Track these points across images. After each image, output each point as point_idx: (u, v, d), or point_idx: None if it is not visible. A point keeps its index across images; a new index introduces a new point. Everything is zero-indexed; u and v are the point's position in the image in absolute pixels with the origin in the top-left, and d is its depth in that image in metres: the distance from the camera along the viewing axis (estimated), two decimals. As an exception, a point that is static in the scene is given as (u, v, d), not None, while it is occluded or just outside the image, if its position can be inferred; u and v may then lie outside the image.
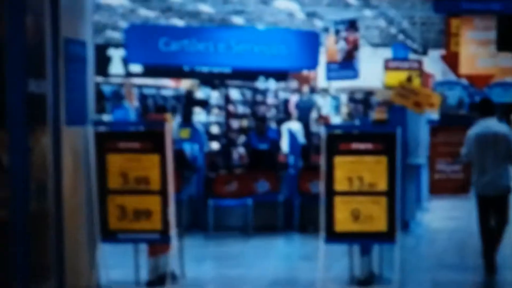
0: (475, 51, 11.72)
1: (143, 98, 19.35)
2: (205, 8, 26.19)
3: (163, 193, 6.79)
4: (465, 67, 12.02)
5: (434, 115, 11.82)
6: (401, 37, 32.69)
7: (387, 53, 23.13)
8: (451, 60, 12.30)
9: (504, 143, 7.84)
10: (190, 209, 9.54)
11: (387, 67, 19.84)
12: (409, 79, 14.33)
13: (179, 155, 8.22)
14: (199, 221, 9.88)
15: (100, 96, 17.59)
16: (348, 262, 7.28)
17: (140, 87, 19.87)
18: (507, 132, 8.03)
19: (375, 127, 8.98)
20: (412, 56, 23.65)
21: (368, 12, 25.91)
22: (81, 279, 6.73)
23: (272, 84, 17.23)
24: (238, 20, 28.70)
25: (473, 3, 7.17)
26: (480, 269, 7.89)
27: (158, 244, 6.96)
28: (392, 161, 6.87)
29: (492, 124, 8.03)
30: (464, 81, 21.01)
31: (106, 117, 15.15)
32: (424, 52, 31.38)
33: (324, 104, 21.96)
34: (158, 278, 6.96)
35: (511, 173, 7.96)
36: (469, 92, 28.88)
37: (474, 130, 8.07)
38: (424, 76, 20.65)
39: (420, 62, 20.54)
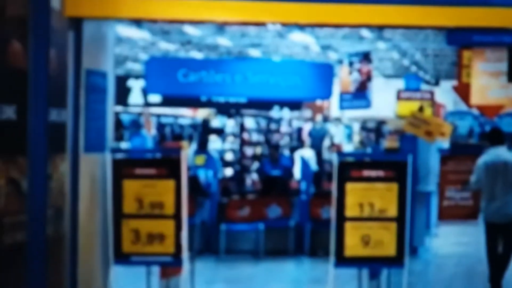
0: (486, 82, 11.63)
1: (160, 126, 19.49)
2: (223, 41, 26.31)
3: (177, 217, 6.78)
4: (476, 98, 11.93)
5: (445, 144, 11.74)
6: (413, 68, 32.61)
7: (400, 83, 23.08)
8: (463, 91, 12.23)
9: (514, 171, 7.80)
10: (202, 233, 9.53)
11: (399, 97, 19.80)
12: (420, 109, 14.26)
13: (193, 181, 8.21)
14: (211, 245, 9.84)
15: (119, 124, 17.70)
16: (357, 286, 7.18)
17: (158, 116, 20.01)
18: (516, 160, 7.98)
19: (387, 155, 8.96)
20: (424, 86, 23.63)
21: (381, 45, 25.88)
22: None
23: (286, 113, 17.25)
24: (255, 52, 28.79)
25: (485, 35, 7.17)
26: (488, 294, 7.81)
27: (170, 266, 6.91)
28: (403, 188, 6.83)
29: (502, 153, 7.99)
30: (475, 111, 20.98)
31: (124, 145, 15.21)
32: (436, 83, 31.32)
33: (337, 133, 21.97)
34: (175, 299, 6.93)
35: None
36: (480, 122, 28.81)
37: (484, 158, 8.03)
38: (436, 106, 20.60)
39: (432, 93, 20.47)
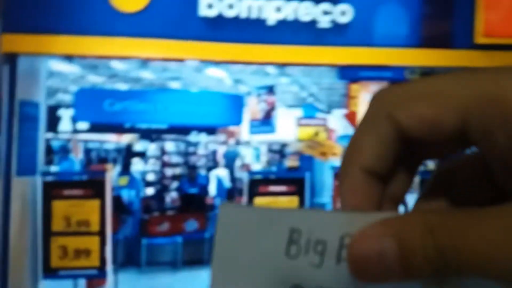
0: (370, 110, 11.89)
1: (87, 151, 18.97)
2: (147, 75, 26.02)
3: (101, 233, 6.59)
4: (362, 124, 12.15)
5: (337, 162, 11.87)
6: (310, 99, 33.18)
7: (299, 112, 23.38)
8: (351, 118, 12.38)
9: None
10: (125, 247, 9.29)
11: (298, 124, 20.00)
12: (316, 134, 14.41)
13: (117, 200, 7.95)
14: (134, 258, 9.55)
15: (49, 150, 17.07)
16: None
17: (85, 141, 19.50)
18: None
19: (289, 173, 9.03)
20: (319, 115, 23.96)
21: (284, 79, 26.25)
22: None
23: (203, 137, 17.12)
24: (175, 84, 28.60)
25: (369, 71, 7.27)
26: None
27: (96, 279, 6.67)
28: (302, 200, 6.89)
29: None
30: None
31: (53, 168, 14.73)
32: (329, 112, 31.94)
33: (247, 154, 21.97)
34: (95, 310, 6.66)
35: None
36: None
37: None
38: (329, 131, 20.90)
39: (325, 120, 20.79)
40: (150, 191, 12.85)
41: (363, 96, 12.06)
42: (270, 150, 22.73)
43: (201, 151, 17.26)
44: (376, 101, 0.35)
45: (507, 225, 0.29)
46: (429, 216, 0.31)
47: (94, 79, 26.83)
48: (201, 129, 16.37)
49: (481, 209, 0.30)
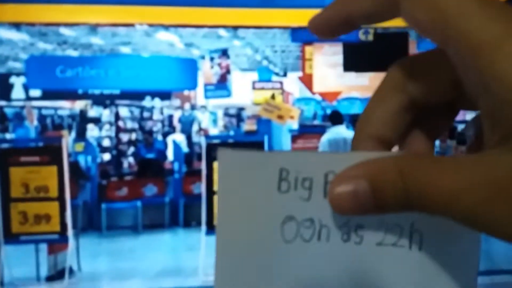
0: (326, 72, 11.99)
1: (42, 118, 18.74)
2: (96, 40, 25.63)
3: (60, 199, 6.65)
4: (318, 86, 12.27)
5: (294, 125, 12.07)
6: (265, 62, 33.22)
7: (254, 76, 23.48)
8: (307, 81, 12.52)
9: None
10: (85, 212, 9.33)
11: (254, 87, 20.09)
12: (272, 97, 14.52)
13: (74, 166, 7.99)
14: (94, 223, 9.62)
15: (3, 117, 16.86)
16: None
17: (39, 108, 19.25)
18: (353, 137, 8.31)
19: (246, 137, 9.05)
20: (274, 78, 24.09)
21: (237, 42, 26.19)
22: None
23: (157, 102, 17.08)
24: (125, 49, 28.23)
25: (323, 33, 7.41)
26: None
27: (57, 243, 6.76)
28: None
29: (341, 131, 8.27)
30: (318, 97, 21.70)
31: (9, 136, 14.57)
32: (285, 75, 32.05)
33: (204, 119, 22.03)
34: (57, 273, 6.79)
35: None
36: (322, 106, 29.88)
37: (327, 136, 8.28)
38: (285, 94, 21.07)
39: (281, 83, 20.95)
40: (106, 156, 12.85)
41: (318, 58, 12.24)
42: (227, 114, 22.82)
43: (156, 116, 17.24)
44: (389, 73, 0.37)
45: (473, 169, 0.32)
46: (401, 159, 0.33)
47: (44, 46, 26.34)
48: (155, 94, 16.33)
49: (451, 156, 0.33)
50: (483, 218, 0.31)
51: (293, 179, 0.36)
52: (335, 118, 8.47)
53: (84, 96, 15.46)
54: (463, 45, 0.32)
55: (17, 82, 15.35)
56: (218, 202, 0.37)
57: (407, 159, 0.34)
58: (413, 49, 10.83)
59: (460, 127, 22.96)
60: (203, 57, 16.72)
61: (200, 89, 15.58)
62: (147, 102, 16.28)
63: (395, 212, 0.34)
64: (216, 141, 7.40)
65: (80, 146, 10.20)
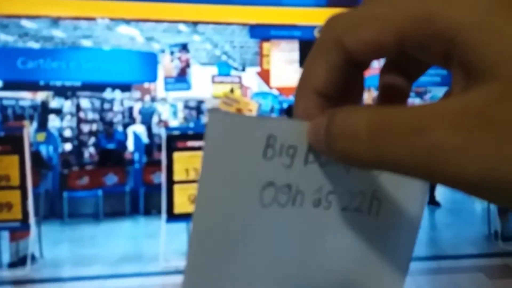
0: (283, 68, 12.08)
1: (3, 108, 18.32)
2: (58, 33, 25.21)
3: (22, 187, 6.55)
4: (275, 81, 12.37)
5: (251, 117, 12.14)
6: (224, 57, 33.20)
7: (214, 70, 23.47)
8: (264, 76, 12.59)
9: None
10: (47, 200, 9.22)
11: (214, 81, 20.08)
12: (231, 91, 14.55)
13: (36, 155, 7.89)
14: (56, 211, 9.51)
15: (-37, 108, 16.45)
16: (186, 237, 7.33)
17: (0, 99, 18.85)
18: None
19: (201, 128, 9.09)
20: (233, 72, 24.13)
21: (197, 37, 26.12)
22: None
23: (118, 94, 16.93)
24: (87, 43, 27.83)
25: (280, 30, 7.46)
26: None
27: (19, 231, 6.69)
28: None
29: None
30: (275, 91, 21.82)
31: (-31, 126, 14.24)
32: (243, 69, 32.14)
33: (164, 110, 21.90)
34: (19, 260, 6.71)
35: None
36: (279, 100, 30.05)
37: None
38: (244, 88, 21.14)
39: (240, 77, 20.99)
40: (68, 146, 12.69)
41: (275, 54, 12.34)
42: (187, 107, 22.71)
43: (116, 107, 17.08)
44: (325, 28, 0.36)
45: (444, 102, 0.29)
46: (358, 107, 0.33)
47: (5, 38, 25.74)
48: (115, 86, 16.18)
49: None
50: (450, 150, 0.28)
51: (279, 146, 0.36)
52: (291, 112, 8.55)
53: (46, 87, 15.23)
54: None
55: (-22, 73, 14.97)
56: (202, 163, 0.36)
57: (364, 106, 0.33)
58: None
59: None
60: (163, 51, 16.63)
61: (160, 81, 15.53)
62: (107, 94, 16.12)
63: (344, 164, 0.33)
64: (176, 132, 7.39)
65: (41, 136, 10.07)
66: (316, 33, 7.46)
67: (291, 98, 20.96)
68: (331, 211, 0.38)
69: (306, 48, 9.16)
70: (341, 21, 0.35)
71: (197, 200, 0.36)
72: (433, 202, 10.80)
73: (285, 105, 22.34)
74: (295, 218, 0.38)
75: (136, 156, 10.76)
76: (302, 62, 9.27)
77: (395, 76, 0.39)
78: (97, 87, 15.02)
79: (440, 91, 28.40)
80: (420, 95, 32.62)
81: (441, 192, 11.37)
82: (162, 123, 17.13)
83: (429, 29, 0.31)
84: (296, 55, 10.39)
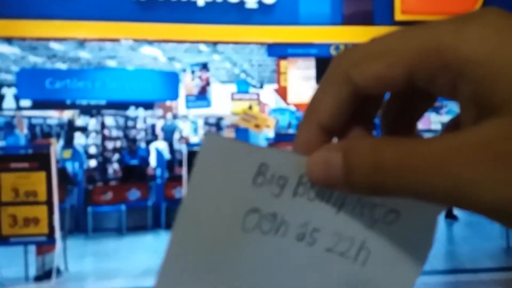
0: (300, 84, 12.08)
1: (31, 126, 18.55)
2: (84, 54, 25.52)
3: (49, 203, 6.59)
4: (292, 97, 12.36)
5: (270, 133, 12.13)
6: (243, 75, 33.32)
7: (233, 88, 23.55)
8: (282, 92, 12.58)
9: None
10: (72, 215, 9.27)
11: (233, 98, 20.14)
12: (250, 108, 14.60)
13: (62, 172, 7.93)
14: (80, 225, 9.54)
15: (-5, 126, 16.68)
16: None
17: (29, 117, 19.10)
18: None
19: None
20: (252, 89, 24.18)
21: (216, 56, 26.26)
22: None
23: (141, 112, 17.04)
24: (111, 63, 28.13)
25: (297, 48, 7.46)
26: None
27: (45, 245, 6.70)
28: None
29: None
30: (292, 107, 21.80)
31: (0, 143, 14.42)
32: (261, 87, 32.18)
33: (185, 127, 22.00)
34: (45, 273, 6.73)
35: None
36: (296, 116, 30.05)
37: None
38: (262, 105, 21.15)
39: (258, 94, 21.03)
40: (93, 163, 12.76)
41: (292, 72, 12.34)
42: (207, 123, 22.81)
43: (140, 125, 17.19)
44: (335, 62, 0.35)
45: (455, 136, 0.30)
46: (377, 140, 0.32)
47: (35, 59, 26.15)
48: (138, 105, 16.29)
49: (425, 138, 0.31)
50: (469, 182, 0.28)
51: (270, 174, 0.35)
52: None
53: (72, 106, 15.39)
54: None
55: (8, 92, 15.22)
56: (190, 180, 0.35)
57: (384, 139, 0.33)
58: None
59: (426, 135, 23.26)
60: (184, 70, 16.73)
61: (181, 99, 15.58)
62: (131, 112, 16.23)
63: (365, 194, 0.33)
64: (196, 148, 7.39)
65: (67, 153, 10.14)
66: (332, 51, 7.44)
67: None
68: (314, 249, 0.37)
69: (322, 65, 9.13)
70: (349, 55, 0.35)
71: (178, 217, 0.35)
72: (450, 215, 10.63)
73: (302, 121, 22.29)
74: (276, 247, 0.36)
75: (158, 172, 10.77)
76: (318, 79, 9.24)
77: (401, 108, 0.38)
78: (121, 106, 15.14)
79: (456, 106, 28.20)
80: (436, 109, 32.44)
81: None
82: (183, 139, 17.18)
83: (438, 61, 0.31)
84: (312, 72, 10.34)
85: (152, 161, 12.64)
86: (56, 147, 8.58)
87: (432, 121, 25.96)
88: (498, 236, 9.23)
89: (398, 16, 6.69)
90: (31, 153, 7.07)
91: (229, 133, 13.48)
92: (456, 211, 10.72)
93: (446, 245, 9.00)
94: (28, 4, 6.11)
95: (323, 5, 6.70)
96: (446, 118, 26.16)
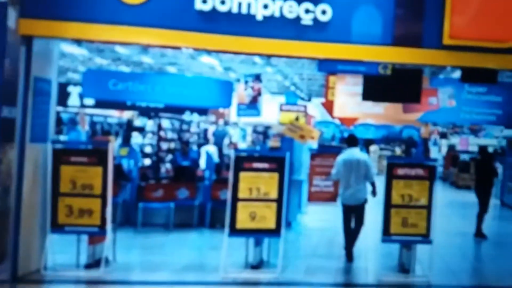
0: (346, 100, 11.92)
1: (93, 124, 18.96)
2: (147, 59, 25.95)
3: (103, 196, 6.66)
4: (338, 111, 12.20)
5: (314, 145, 11.99)
6: (292, 88, 33.21)
7: (282, 99, 23.47)
8: (328, 106, 12.44)
9: (364, 167, 8.02)
10: (124, 209, 9.36)
11: (281, 109, 20.00)
12: (297, 119, 14.44)
13: (118, 168, 8.01)
14: (131, 219, 9.61)
15: (59, 121, 17.06)
16: (245, 251, 7.21)
17: (91, 115, 19.51)
18: (366, 158, 8.25)
19: (271, 152, 9.04)
20: (300, 102, 24.02)
21: (269, 69, 26.28)
22: (32, 262, 6.52)
23: (195, 117, 17.15)
24: (172, 69, 28.50)
25: (346, 65, 7.32)
26: (342, 258, 8.01)
27: (97, 235, 6.74)
28: (282, 177, 6.96)
29: (355, 153, 8.20)
30: (337, 121, 21.56)
31: (62, 138, 14.77)
32: (309, 100, 32.02)
33: (234, 134, 22.05)
34: (95, 262, 6.78)
35: (367, 188, 8.10)
36: (340, 130, 29.75)
37: (342, 156, 8.22)
38: (308, 117, 20.94)
39: (305, 107, 20.81)
40: (147, 161, 12.89)
41: (340, 87, 12.21)
42: (255, 131, 22.82)
43: (193, 129, 17.32)
44: None
45: None
46: None
47: (100, 61, 26.80)
48: (193, 110, 16.38)
49: None
50: None
51: None
52: (351, 141, 8.40)
53: (132, 107, 15.58)
54: None
55: (74, 91, 15.52)
56: None
57: None
58: (426, 84, 10.70)
59: (462, 156, 22.44)
60: (238, 80, 16.72)
61: (233, 108, 15.58)
62: (186, 116, 16.36)
63: None
64: (244, 154, 7.34)
65: (124, 151, 10.25)
66: (380, 69, 7.28)
67: (351, 128, 20.69)
68: None
69: (369, 82, 8.98)
70: None
71: None
72: (480, 234, 10.30)
73: (345, 134, 22.08)
74: None
75: (207, 174, 10.78)
76: (364, 95, 9.10)
77: None
78: (178, 110, 15.25)
79: (494, 130, 27.37)
80: (475, 132, 31.54)
81: (488, 225, 10.86)
82: (232, 145, 17.22)
83: None
84: (359, 88, 10.17)
85: (202, 163, 12.69)
86: (114, 144, 8.68)
87: (470, 143, 25.29)
88: (524, 256, 9.04)
89: (447, 40, 6.49)
90: (90, 149, 7.15)
91: (275, 142, 13.40)
92: (485, 230, 10.43)
93: (473, 262, 8.89)
94: (98, 9, 6.21)
95: (374, 25, 6.58)
96: (483, 141, 25.42)
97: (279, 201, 6.92)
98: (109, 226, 6.66)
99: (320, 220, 11.47)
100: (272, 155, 7.57)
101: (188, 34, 6.32)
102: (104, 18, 6.22)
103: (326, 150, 11.70)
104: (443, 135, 29.53)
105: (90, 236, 6.80)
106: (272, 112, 21.73)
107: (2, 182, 5.96)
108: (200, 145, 15.86)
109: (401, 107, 11.60)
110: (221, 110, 24.85)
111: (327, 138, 26.28)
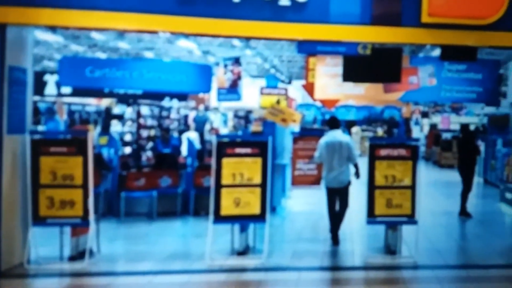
0: (326, 81, 11.92)
1: (71, 113, 18.76)
2: (123, 45, 25.67)
3: (84, 187, 6.63)
4: (319, 93, 12.19)
5: (296, 128, 12.01)
6: (272, 70, 33.16)
7: (262, 82, 23.43)
8: (309, 88, 12.42)
9: (346, 149, 8.05)
10: (106, 199, 9.30)
11: (262, 93, 19.96)
12: (278, 102, 14.45)
13: (98, 157, 7.94)
14: (113, 209, 9.58)
15: (36, 111, 16.89)
16: (230, 237, 7.24)
17: (69, 104, 19.29)
18: (348, 140, 8.27)
19: (253, 137, 9.02)
20: (280, 84, 24.01)
21: (248, 51, 26.18)
22: (15, 256, 6.48)
23: (175, 103, 17.06)
24: (149, 54, 28.24)
25: (325, 46, 7.31)
26: (327, 242, 8.08)
27: (79, 227, 6.70)
28: (265, 161, 6.98)
29: (337, 135, 8.22)
30: (318, 103, 21.60)
31: (40, 128, 14.60)
32: (289, 82, 32.02)
33: (215, 119, 22.01)
34: (79, 254, 6.76)
35: (350, 170, 8.16)
36: (321, 112, 29.85)
37: (325, 139, 8.24)
38: (289, 99, 20.93)
39: (286, 89, 20.79)
40: (127, 150, 12.81)
41: (320, 68, 12.20)
42: (236, 116, 22.80)
43: (173, 115, 17.23)
44: None
45: None
46: None
47: (76, 48, 26.46)
48: (173, 96, 16.29)
49: None
50: None
51: None
52: (333, 123, 8.43)
53: (110, 95, 15.44)
54: None
55: (51, 79, 15.33)
56: None
57: None
58: (406, 63, 10.75)
59: (444, 135, 22.68)
60: (217, 64, 16.65)
61: (213, 92, 15.51)
62: (165, 102, 16.27)
63: None
64: (225, 139, 7.33)
65: (104, 140, 10.16)
66: (359, 49, 7.30)
67: (333, 110, 20.76)
68: None
69: (349, 63, 9.00)
70: None
71: None
72: (464, 213, 10.47)
73: (327, 116, 22.16)
74: None
75: (189, 161, 10.76)
76: (344, 76, 9.13)
77: None
78: (157, 96, 15.15)
79: (475, 107, 27.68)
80: (456, 111, 31.87)
81: (472, 203, 11.03)
82: (214, 130, 17.20)
83: None
84: (339, 69, 10.18)
85: (184, 150, 12.64)
86: (93, 133, 8.59)
87: (451, 122, 25.54)
88: (508, 234, 9.21)
89: (425, 18, 6.53)
90: (69, 139, 7.06)
91: (257, 126, 13.40)
92: (470, 209, 10.60)
93: (459, 241, 8.95)
94: (72, -5, 6.11)
95: (352, 5, 6.59)
96: (465, 119, 25.70)
97: (263, 186, 6.95)
98: (91, 217, 6.63)
99: (304, 204, 11.53)
100: (254, 139, 7.54)
101: (165, 18, 6.27)
102: (78, 4, 6.15)
103: (308, 133, 11.72)
104: (424, 114, 29.78)
105: (73, 227, 6.77)
106: (252, 96, 21.71)
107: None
108: (181, 132, 15.80)
109: (382, 87, 11.63)
110: (201, 95, 24.72)
111: (309, 121, 26.35)
